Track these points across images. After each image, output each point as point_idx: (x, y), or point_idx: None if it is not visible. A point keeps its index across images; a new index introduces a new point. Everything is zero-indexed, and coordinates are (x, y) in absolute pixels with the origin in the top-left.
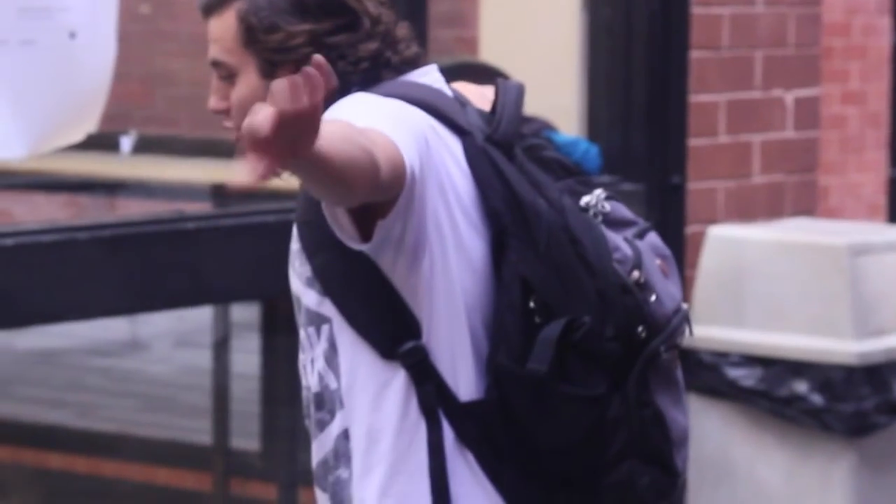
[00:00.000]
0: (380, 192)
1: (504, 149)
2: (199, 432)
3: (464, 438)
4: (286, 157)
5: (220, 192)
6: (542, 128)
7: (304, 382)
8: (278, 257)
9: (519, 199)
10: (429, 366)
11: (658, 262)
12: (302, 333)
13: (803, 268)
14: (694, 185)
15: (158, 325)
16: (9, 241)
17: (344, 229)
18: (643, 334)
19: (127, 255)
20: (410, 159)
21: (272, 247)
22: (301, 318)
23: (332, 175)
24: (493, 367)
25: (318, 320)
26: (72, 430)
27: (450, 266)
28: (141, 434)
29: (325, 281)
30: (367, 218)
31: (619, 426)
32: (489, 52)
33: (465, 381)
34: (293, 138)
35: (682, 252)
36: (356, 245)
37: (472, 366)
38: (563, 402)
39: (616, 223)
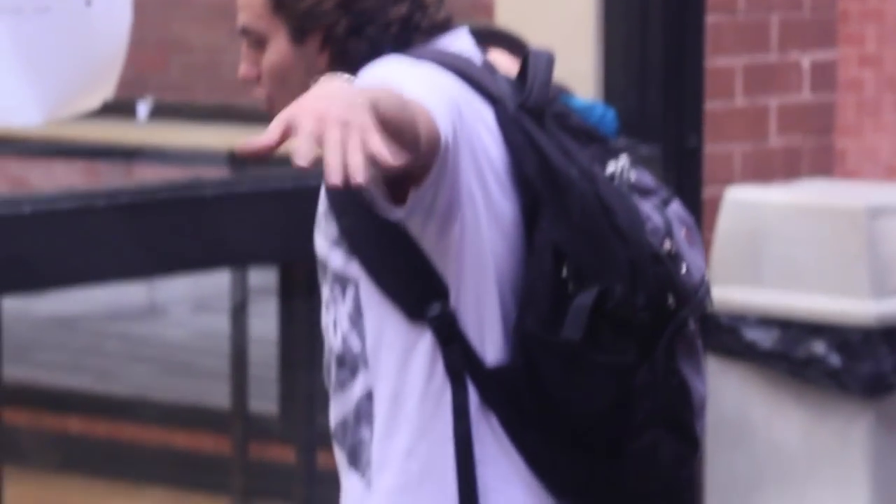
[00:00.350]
0: (417, 163)
1: (535, 116)
2: (218, 396)
3: (489, 403)
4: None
5: (236, 158)
6: (559, 92)
7: (326, 343)
8: (296, 222)
9: (552, 167)
10: (456, 329)
11: (683, 231)
12: (326, 294)
13: (821, 229)
14: (711, 148)
15: (176, 290)
16: (26, 208)
17: (379, 201)
18: (672, 304)
19: (144, 221)
20: (445, 129)
21: (289, 211)
22: (325, 280)
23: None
24: (521, 334)
25: (343, 281)
26: (90, 395)
27: (481, 231)
28: (159, 398)
29: (353, 240)
30: (395, 183)
31: (645, 394)
32: (505, 17)
33: (492, 346)
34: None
35: (699, 214)
36: (390, 215)
37: (500, 331)
38: (592, 370)
39: (642, 192)
